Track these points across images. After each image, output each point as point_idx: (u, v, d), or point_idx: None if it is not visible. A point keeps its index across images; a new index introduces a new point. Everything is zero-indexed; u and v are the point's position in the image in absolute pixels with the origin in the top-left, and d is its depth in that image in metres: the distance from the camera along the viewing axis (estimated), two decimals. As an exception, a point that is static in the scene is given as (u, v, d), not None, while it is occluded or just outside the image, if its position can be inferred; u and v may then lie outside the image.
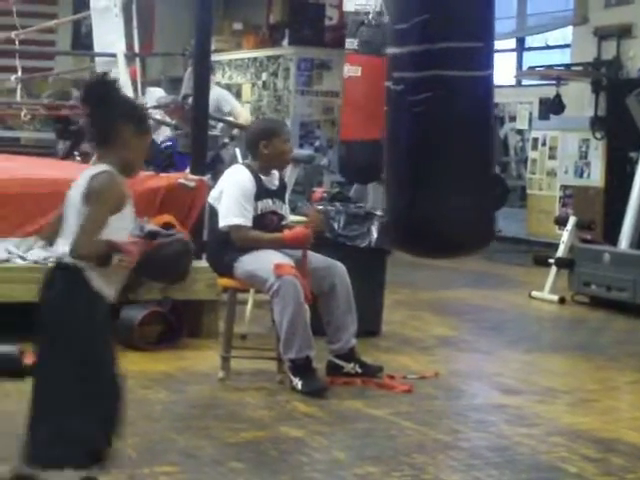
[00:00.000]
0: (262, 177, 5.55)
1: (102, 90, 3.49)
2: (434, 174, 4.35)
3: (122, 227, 3.42)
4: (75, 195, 3.43)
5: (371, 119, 9.40)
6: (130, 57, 8.41)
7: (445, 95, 4.29)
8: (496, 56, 4.69)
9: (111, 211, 3.37)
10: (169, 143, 8.80)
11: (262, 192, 5.52)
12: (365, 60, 9.29)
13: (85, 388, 3.38)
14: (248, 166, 5.62)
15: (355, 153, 9.51)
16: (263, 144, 5.54)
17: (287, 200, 5.78)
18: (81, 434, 3.35)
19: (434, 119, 4.32)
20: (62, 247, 3.43)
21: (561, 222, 9.80)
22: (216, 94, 9.52)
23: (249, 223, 5.44)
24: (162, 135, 9.18)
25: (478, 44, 4.36)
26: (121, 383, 3.50)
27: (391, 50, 4.47)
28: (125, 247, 3.36)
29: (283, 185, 5.76)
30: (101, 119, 3.49)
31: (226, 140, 9.78)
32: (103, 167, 3.43)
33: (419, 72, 4.30)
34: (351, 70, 9.38)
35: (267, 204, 5.54)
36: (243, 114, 10.09)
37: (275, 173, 5.66)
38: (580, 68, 12.27)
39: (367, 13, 9.25)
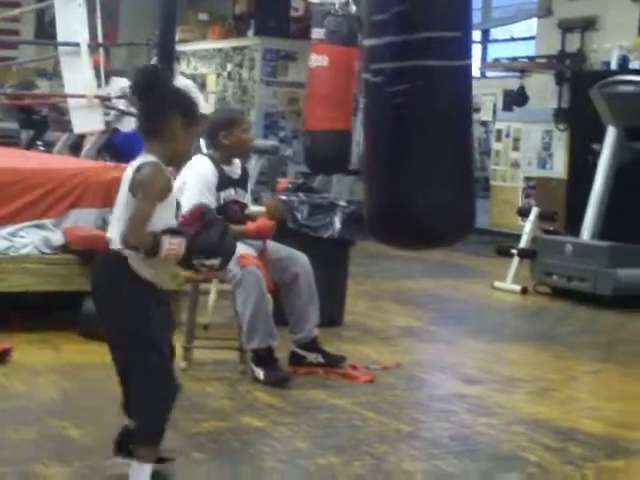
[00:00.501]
0: (224, 167, 5.54)
1: (151, 80, 3.47)
2: (414, 165, 4.34)
3: (165, 216, 3.44)
4: (123, 186, 3.46)
5: (337, 109, 9.43)
6: (93, 47, 8.36)
7: (425, 85, 4.27)
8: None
9: (156, 201, 3.40)
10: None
11: (224, 182, 5.50)
12: (332, 49, 9.31)
13: (146, 374, 3.46)
14: (210, 156, 5.61)
15: (320, 143, 9.52)
16: (223, 134, 5.53)
17: (249, 189, 5.78)
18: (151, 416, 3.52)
19: (414, 110, 4.30)
20: (110, 233, 3.49)
21: (524, 213, 9.86)
22: (179, 85, 9.49)
23: (211, 214, 5.44)
24: (126, 125, 9.16)
25: (457, 34, 4.37)
26: (176, 377, 3.58)
27: (369, 42, 4.44)
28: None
29: (245, 173, 5.74)
30: (149, 110, 3.48)
31: None
32: (149, 158, 3.44)
33: (398, 63, 4.29)
34: (318, 60, 9.40)
35: (229, 193, 5.52)
36: (206, 108, 10.08)
37: (237, 162, 5.65)
38: (544, 60, 12.33)
39: (333, 4, 9.27)
